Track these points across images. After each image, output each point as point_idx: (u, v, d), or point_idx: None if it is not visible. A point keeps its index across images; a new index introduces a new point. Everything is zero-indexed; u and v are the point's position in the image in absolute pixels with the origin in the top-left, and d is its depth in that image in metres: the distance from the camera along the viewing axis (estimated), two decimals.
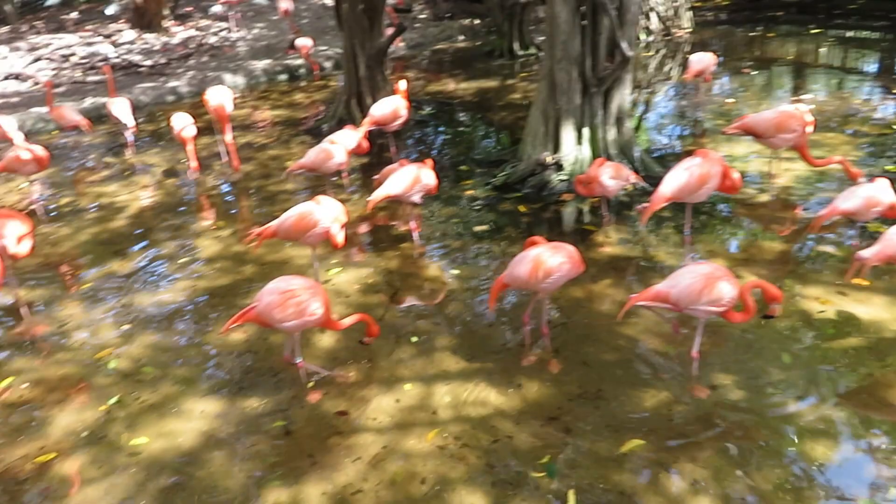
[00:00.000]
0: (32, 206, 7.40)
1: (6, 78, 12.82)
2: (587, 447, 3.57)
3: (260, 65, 12.68)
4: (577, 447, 3.57)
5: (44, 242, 6.36)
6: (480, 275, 5.34)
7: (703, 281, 3.82)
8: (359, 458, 3.61)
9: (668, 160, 6.97)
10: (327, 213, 4.88)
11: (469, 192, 6.83)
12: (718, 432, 3.61)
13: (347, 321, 4.19)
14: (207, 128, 9.06)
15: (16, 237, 5.02)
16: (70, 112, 8.94)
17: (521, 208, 6.37)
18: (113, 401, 4.23)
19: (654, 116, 9.15)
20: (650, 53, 12.20)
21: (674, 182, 5.07)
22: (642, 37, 12.69)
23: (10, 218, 5.10)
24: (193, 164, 7.38)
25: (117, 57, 13.95)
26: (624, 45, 6.25)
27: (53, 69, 13.38)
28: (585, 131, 6.68)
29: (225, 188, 7.68)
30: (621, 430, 3.65)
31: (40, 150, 7.08)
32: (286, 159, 8.17)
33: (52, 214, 7.25)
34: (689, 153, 5.80)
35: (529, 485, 3.36)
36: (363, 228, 6.30)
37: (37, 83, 12.28)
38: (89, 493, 3.56)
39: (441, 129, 9.29)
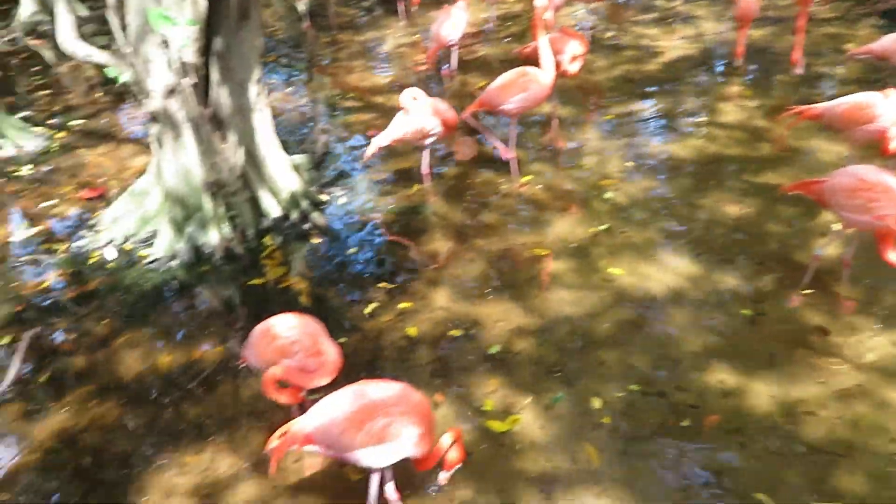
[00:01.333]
0: (581, 32, 8.01)
1: None
2: None
3: None
4: None
5: (583, 69, 6.88)
6: None
7: None
8: (823, 383, 3.29)
9: None
10: (893, 111, 4.16)
11: None
12: None
13: None
14: None
15: (571, 56, 5.52)
16: None
17: None
18: (602, 227, 4.58)
19: None
20: None
21: None
22: None
23: (571, 38, 5.59)
24: (740, 49, 6.80)
25: None
26: None
27: None
28: None
29: (758, 58, 7.13)
30: None
31: None
32: (846, 40, 7.15)
33: (596, 44, 7.76)
34: None
35: None
36: None
37: None
38: (563, 295, 4.02)
39: None
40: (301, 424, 2.56)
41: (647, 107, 6.22)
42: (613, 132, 5.83)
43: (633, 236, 4.47)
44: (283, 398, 2.86)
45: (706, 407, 3.22)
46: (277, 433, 2.58)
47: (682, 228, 4.51)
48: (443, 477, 2.75)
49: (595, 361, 3.53)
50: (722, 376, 3.38)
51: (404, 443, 2.53)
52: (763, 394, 3.27)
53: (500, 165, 5.37)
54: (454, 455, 2.68)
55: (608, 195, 4.93)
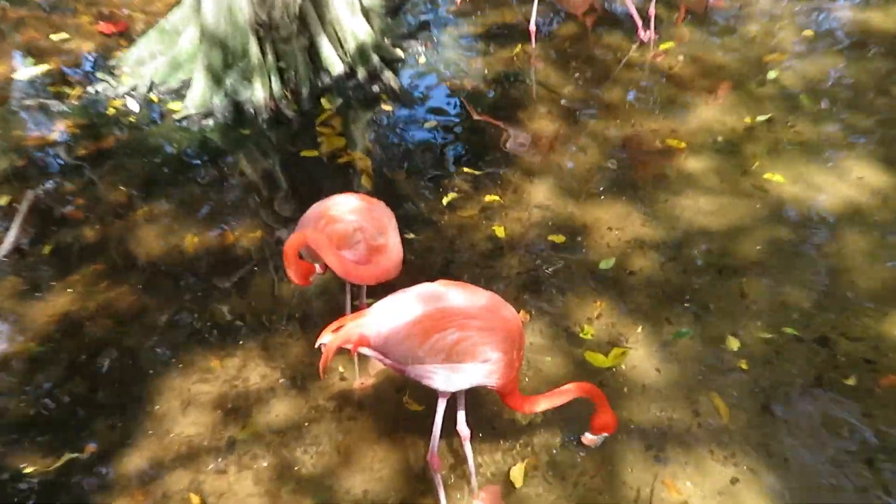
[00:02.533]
0: None
1: None
2: None
3: None
4: None
5: None
6: None
7: None
8: None
9: None
10: None
11: None
12: None
13: None
14: None
15: None
16: None
17: None
18: (762, 118, 4.30)
19: None
20: None
21: None
22: None
23: None
24: None
25: None
26: None
27: None
28: None
29: None
30: None
31: None
32: None
33: None
34: None
35: None
36: None
37: None
38: (701, 203, 3.82)
39: None
40: (359, 322, 2.50)
41: None
42: None
43: (804, 132, 4.19)
44: (292, 271, 2.74)
45: (883, 364, 3.03)
46: (331, 327, 2.53)
47: (872, 126, 4.19)
48: (588, 439, 2.63)
49: (736, 292, 3.36)
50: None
51: (479, 367, 2.45)
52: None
53: (631, 26, 5.08)
54: (605, 420, 2.53)
55: (773, 75, 4.63)
